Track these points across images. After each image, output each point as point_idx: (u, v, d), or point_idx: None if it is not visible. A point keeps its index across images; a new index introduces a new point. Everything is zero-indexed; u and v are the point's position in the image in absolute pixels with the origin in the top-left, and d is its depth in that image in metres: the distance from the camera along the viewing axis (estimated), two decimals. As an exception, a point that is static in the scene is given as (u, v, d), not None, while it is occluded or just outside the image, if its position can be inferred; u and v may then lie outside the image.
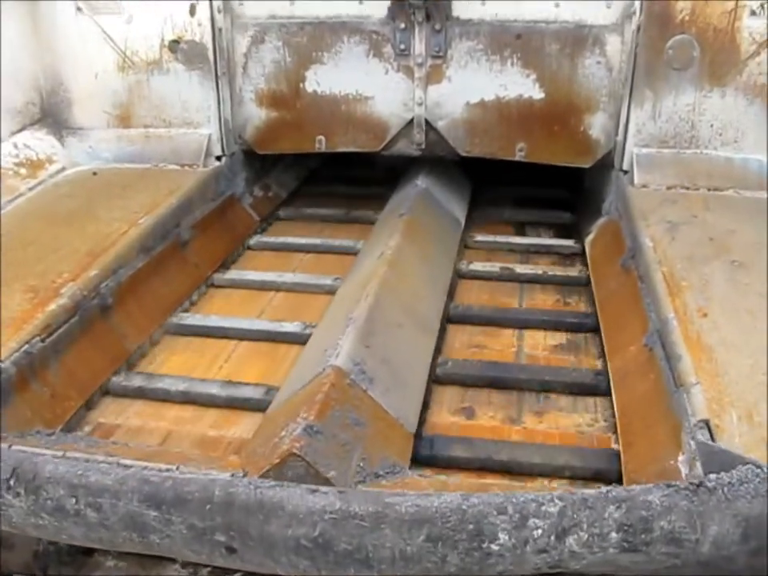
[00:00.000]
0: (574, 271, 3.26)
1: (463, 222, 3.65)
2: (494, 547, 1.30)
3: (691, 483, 1.31)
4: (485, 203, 4.01)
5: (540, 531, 1.29)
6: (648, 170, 3.24)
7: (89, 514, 1.44)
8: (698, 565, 1.30)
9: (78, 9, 3.51)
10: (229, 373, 2.58)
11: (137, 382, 2.49)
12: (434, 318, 2.74)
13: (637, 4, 3.13)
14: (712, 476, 1.34)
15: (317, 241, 3.59)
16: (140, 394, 2.46)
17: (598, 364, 2.59)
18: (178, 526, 1.40)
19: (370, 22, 3.41)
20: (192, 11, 3.48)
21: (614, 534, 1.28)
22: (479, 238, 3.60)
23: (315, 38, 3.47)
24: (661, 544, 1.27)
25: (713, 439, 1.71)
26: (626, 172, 3.33)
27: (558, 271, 3.27)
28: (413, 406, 2.25)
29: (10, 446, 1.71)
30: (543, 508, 1.31)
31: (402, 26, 3.37)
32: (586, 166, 3.47)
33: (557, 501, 1.31)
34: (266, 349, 2.73)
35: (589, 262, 3.24)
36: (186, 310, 2.99)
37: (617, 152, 3.37)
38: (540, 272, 3.25)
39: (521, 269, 3.27)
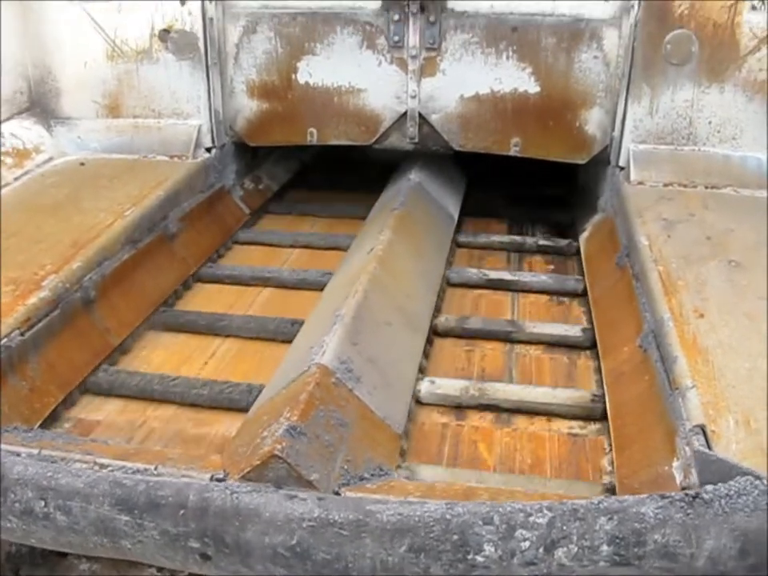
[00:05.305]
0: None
1: (456, 217, 3.59)
2: (480, 559, 1.24)
3: (687, 494, 1.26)
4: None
5: (528, 543, 1.23)
6: (645, 167, 3.19)
7: (58, 518, 1.38)
8: (691, 579, 1.25)
9: (68, -4, 3.45)
10: (214, 370, 2.53)
11: (119, 378, 2.42)
12: (424, 317, 2.68)
13: (635, -2, 3.09)
14: (709, 487, 1.27)
15: (307, 235, 3.54)
16: (122, 390, 2.39)
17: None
18: (151, 531, 1.35)
19: (364, 12, 3.36)
20: (182, 0, 3.41)
21: (605, 547, 1.22)
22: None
23: (308, 29, 3.42)
24: (654, 558, 1.22)
25: (708, 445, 1.65)
26: (622, 168, 3.28)
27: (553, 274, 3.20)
28: (400, 406, 2.20)
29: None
30: (531, 518, 1.25)
31: (396, 17, 3.32)
32: (582, 161, 3.42)
33: (546, 511, 1.25)
34: (252, 346, 2.67)
35: (583, 259, 3.19)
36: (172, 305, 2.92)
37: (613, 148, 3.32)
38: (534, 278, 3.14)
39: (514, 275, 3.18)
